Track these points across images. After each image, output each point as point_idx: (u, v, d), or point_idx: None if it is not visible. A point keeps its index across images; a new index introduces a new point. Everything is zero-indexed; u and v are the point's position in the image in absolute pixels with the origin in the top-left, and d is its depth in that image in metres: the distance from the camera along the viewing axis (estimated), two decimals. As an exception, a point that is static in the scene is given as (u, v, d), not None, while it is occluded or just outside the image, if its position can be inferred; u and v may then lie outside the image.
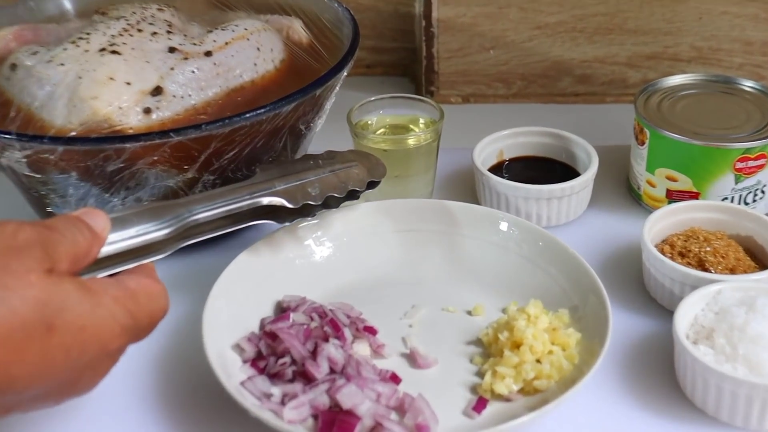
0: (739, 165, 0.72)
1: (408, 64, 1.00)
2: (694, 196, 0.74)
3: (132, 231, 0.55)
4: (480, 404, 0.58)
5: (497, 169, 0.80)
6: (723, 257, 0.67)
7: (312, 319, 0.63)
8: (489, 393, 0.59)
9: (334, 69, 0.70)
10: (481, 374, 0.61)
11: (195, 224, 0.59)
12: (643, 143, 0.76)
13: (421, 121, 0.78)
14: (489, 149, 0.80)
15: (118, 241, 0.54)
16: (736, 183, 0.73)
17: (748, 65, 0.91)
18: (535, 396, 0.58)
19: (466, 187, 0.81)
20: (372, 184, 0.68)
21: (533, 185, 0.74)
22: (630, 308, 0.68)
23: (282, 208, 0.63)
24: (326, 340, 0.61)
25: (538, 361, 0.60)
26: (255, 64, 0.72)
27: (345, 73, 0.71)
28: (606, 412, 0.60)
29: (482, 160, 0.78)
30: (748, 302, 0.61)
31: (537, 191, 0.74)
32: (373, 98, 0.78)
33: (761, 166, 0.73)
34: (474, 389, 0.60)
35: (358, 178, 0.67)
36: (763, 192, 0.75)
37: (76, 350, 0.47)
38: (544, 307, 0.64)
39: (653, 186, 0.76)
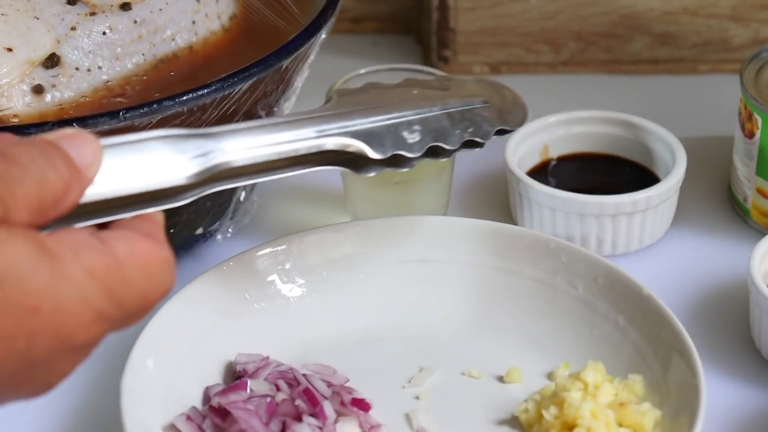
0: None
1: (413, 18, 1.03)
2: None
3: (137, 168, 0.54)
4: None
5: (541, 173, 0.83)
6: None
7: (278, 388, 0.65)
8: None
9: (307, 30, 0.72)
10: (518, 468, 0.64)
11: (229, 166, 0.58)
12: (752, 135, 0.79)
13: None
14: (529, 144, 0.83)
15: (114, 179, 0.53)
16: None
17: None
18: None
19: (495, 199, 0.84)
20: (501, 132, 0.68)
21: (592, 196, 0.77)
22: (734, 373, 0.71)
23: (363, 154, 0.63)
24: (299, 418, 0.63)
25: (599, 449, 0.63)
26: (194, 23, 0.75)
27: (323, 36, 0.74)
28: None
29: (519, 160, 0.81)
30: None
31: (598, 205, 0.77)
32: (362, 71, 0.81)
33: None
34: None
35: (482, 121, 0.67)
36: None
37: (22, 341, 0.47)
38: (608, 372, 0.67)
39: (766, 197, 0.80)
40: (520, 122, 0.69)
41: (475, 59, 0.98)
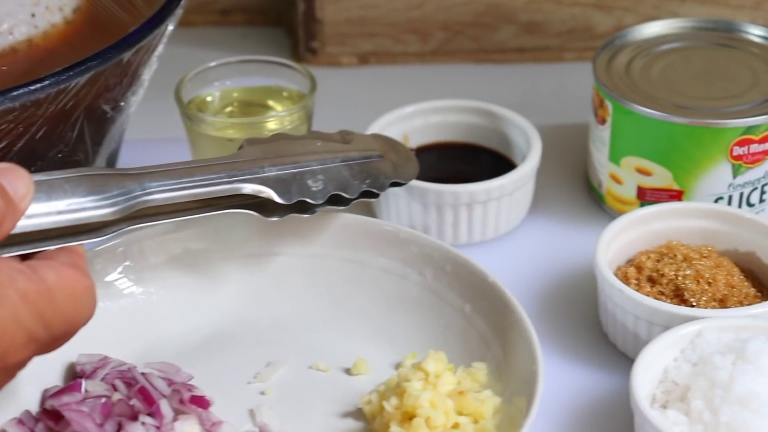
0: (738, 150, 0.76)
1: (283, 10, 1.02)
2: (676, 195, 0.78)
3: (63, 204, 0.58)
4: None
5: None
6: (709, 283, 0.70)
7: (115, 388, 0.64)
8: (369, 486, 0.62)
9: (149, 22, 0.71)
10: (359, 461, 0.63)
11: (149, 205, 0.62)
12: (604, 121, 0.79)
13: (285, 94, 0.80)
14: (388, 133, 0.82)
15: (41, 214, 0.57)
16: (735, 176, 0.77)
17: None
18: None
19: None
20: (395, 185, 0.71)
21: (446, 185, 0.76)
22: (582, 359, 0.71)
23: (269, 200, 0.67)
24: (134, 418, 0.62)
25: (439, 439, 0.62)
26: (33, 15, 0.73)
27: (169, 28, 0.73)
28: None
29: (377, 150, 0.81)
30: (738, 348, 0.64)
31: (452, 194, 0.76)
32: (213, 63, 0.80)
33: (769, 152, 0.77)
34: (349, 483, 0.63)
35: (378, 173, 0.70)
36: (773, 188, 0.78)
37: None
38: (453, 360, 0.67)
39: (619, 182, 0.80)
40: (412, 175, 0.73)
41: (343, 50, 0.98)
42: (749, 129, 0.75)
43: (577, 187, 0.84)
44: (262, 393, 0.67)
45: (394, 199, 0.78)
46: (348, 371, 0.69)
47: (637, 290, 0.70)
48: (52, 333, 0.53)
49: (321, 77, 0.97)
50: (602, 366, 0.71)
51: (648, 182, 0.78)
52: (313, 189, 0.68)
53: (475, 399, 0.63)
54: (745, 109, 0.76)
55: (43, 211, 0.57)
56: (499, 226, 0.79)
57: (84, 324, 0.56)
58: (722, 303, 0.70)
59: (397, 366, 0.69)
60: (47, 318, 0.53)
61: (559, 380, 0.69)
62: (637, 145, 0.77)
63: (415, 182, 0.77)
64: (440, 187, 0.76)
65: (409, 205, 0.77)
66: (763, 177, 0.77)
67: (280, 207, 0.68)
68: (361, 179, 0.70)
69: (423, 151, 0.83)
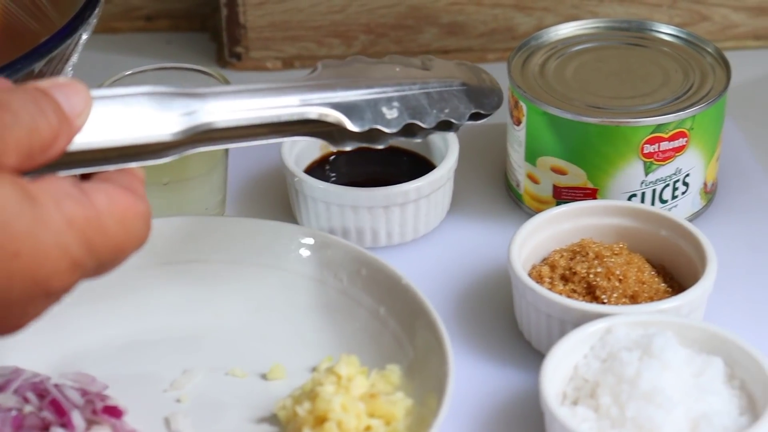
0: (649, 148, 0.77)
1: (207, 15, 1.02)
2: (590, 193, 0.79)
3: (123, 121, 0.55)
4: (267, 508, 0.61)
5: (321, 168, 0.83)
6: (620, 280, 0.71)
7: (27, 400, 0.64)
8: (281, 491, 0.62)
9: (60, 32, 0.71)
10: (273, 466, 0.64)
11: (213, 127, 0.59)
12: (519, 122, 0.80)
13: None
14: (308, 138, 0.82)
15: (100, 131, 0.54)
16: (647, 174, 0.78)
17: (685, 0, 0.96)
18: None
19: (278, 196, 0.84)
20: (477, 117, 0.69)
21: (363, 189, 0.77)
22: (498, 358, 0.72)
23: (342, 126, 0.64)
24: (45, 430, 0.62)
25: (351, 442, 0.63)
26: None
27: (83, 37, 0.73)
28: None
29: (296, 155, 0.81)
30: (644, 344, 0.65)
31: (369, 197, 0.77)
32: (129, 72, 0.80)
33: (680, 149, 0.78)
34: (262, 487, 0.63)
35: (459, 103, 0.68)
36: (686, 185, 0.79)
37: (1, 281, 0.49)
38: (367, 363, 0.67)
39: (536, 182, 0.80)
40: (496, 106, 0.69)
41: (268, 54, 0.98)
42: (659, 127, 0.76)
43: (497, 187, 0.84)
44: (178, 401, 0.68)
45: (312, 203, 0.78)
46: (265, 377, 0.69)
47: (550, 289, 0.71)
48: (100, 259, 0.52)
49: (246, 81, 0.97)
50: (518, 364, 0.71)
51: (563, 181, 0.79)
52: (388, 117, 0.65)
53: (386, 401, 0.64)
54: (654, 108, 0.77)
55: (101, 128, 0.54)
56: (418, 228, 0.79)
57: (134, 251, 0.54)
58: (633, 299, 0.71)
59: (314, 370, 0.69)
60: (95, 244, 0.51)
61: (475, 380, 0.70)
62: (551, 145, 0.78)
63: (332, 186, 0.77)
64: (356, 190, 0.77)
65: (328, 209, 0.78)
66: (674, 174, 0.78)
67: (352, 135, 0.64)
68: (440, 108, 0.67)
69: (342, 155, 0.83)
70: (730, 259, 0.77)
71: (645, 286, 0.71)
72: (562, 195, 0.79)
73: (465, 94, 0.69)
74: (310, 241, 0.73)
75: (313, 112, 0.63)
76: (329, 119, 0.63)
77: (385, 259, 0.74)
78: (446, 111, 0.67)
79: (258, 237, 0.73)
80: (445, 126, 0.67)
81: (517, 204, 0.82)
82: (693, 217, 0.81)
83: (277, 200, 0.83)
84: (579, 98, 0.78)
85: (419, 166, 0.82)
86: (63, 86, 0.53)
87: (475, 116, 0.69)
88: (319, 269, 0.72)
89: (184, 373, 0.69)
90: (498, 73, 0.97)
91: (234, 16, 0.96)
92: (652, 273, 0.73)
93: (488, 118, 0.75)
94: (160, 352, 0.70)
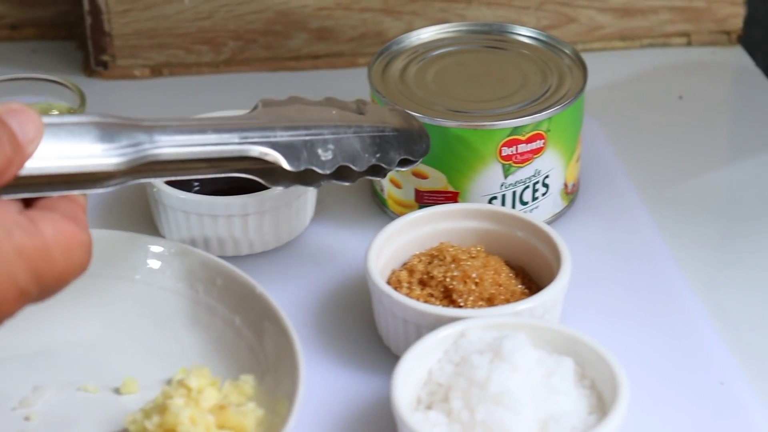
0: (507, 151, 0.77)
1: (74, 23, 1.01)
2: (451, 197, 0.79)
3: (71, 149, 0.57)
4: None
5: (181, 180, 0.82)
6: (476, 283, 0.71)
7: None
8: None
9: None
10: (122, 482, 0.63)
11: (157, 160, 0.61)
12: None
13: (55, 112, 0.80)
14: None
15: (48, 158, 0.56)
16: (506, 176, 0.78)
17: (551, 2, 0.97)
18: (195, 505, 0.61)
19: (140, 207, 0.83)
20: (405, 162, 0.71)
21: (220, 197, 0.77)
22: (359, 365, 0.72)
23: (278, 166, 0.66)
24: None
25: (201, 455, 0.62)
26: None
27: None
28: None
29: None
30: (495, 347, 0.65)
31: (226, 206, 0.76)
32: (-20, 83, 0.79)
33: (538, 151, 0.78)
34: (111, 506, 0.62)
35: (389, 148, 0.70)
36: (546, 186, 0.80)
37: None
38: (223, 374, 0.67)
39: (398, 186, 0.81)
40: (424, 153, 0.73)
41: (135, 62, 0.97)
42: (515, 130, 0.77)
43: (363, 194, 0.85)
44: (27, 419, 0.67)
45: (172, 213, 0.77)
46: (117, 391, 0.69)
47: (408, 293, 0.71)
48: (45, 287, 0.54)
49: (114, 90, 0.97)
50: (377, 370, 0.71)
51: (424, 185, 0.79)
52: (323, 158, 0.67)
53: (237, 413, 0.64)
54: (511, 111, 0.78)
55: (50, 155, 0.56)
56: (280, 236, 0.79)
57: (76, 278, 0.56)
58: (490, 302, 0.71)
59: (168, 383, 0.69)
60: (41, 274, 0.53)
61: (334, 387, 0.70)
62: None
63: (190, 195, 0.77)
64: (214, 199, 0.76)
65: (188, 218, 0.77)
66: (534, 175, 0.79)
67: (286, 176, 0.67)
68: (372, 153, 0.69)
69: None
70: (589, 259, 0.78)
71: (502, 288, 0.72)
72: (424, 199, 0.79)
73: (396, 140, 0.71)
74: (164, 251, 0.72)
75: (254, 151, 0.65)
76: (268, 158, 0.66)
77: (246, 268, 0.74)
78: (378, 156, 0.70)
79: (112, 248, 0.72)
80: (375, 170, 0.70)
81: (382, 209, 0.83)
82: (555, 218, 0.81)
83: (139, 211, 0.82)
84: (439, 102, 0.79)
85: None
86: (17, 112, 0.55)
87: (403, 162, 0.72)
88: (173, 280, 0.72)
89: (34, 390, 0.68)
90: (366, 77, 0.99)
91: (98, 24, 0.95)
92: (510, 275, 0.73)
93: None
94: (10, 369, 0.69)
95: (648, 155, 0.89)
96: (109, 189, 0.60)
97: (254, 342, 0.68)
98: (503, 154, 0.77)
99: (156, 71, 0.97)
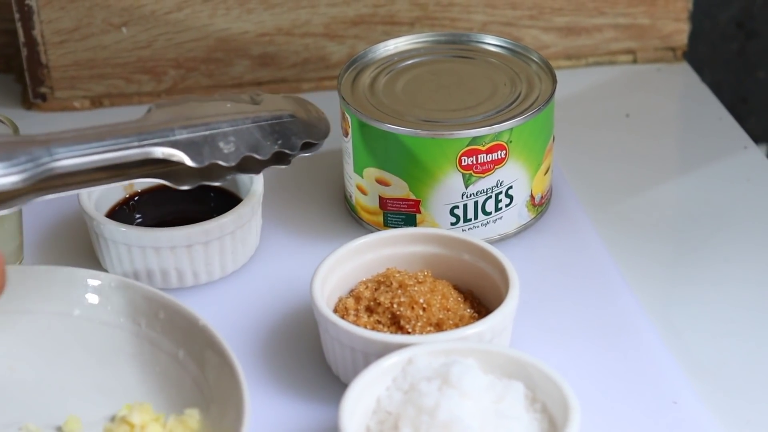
0: (467, 161, 0.78)
1: (11, 55, 1.00)
2: (413, 205, 0.80)
3: None
4: None
5: (124, 209, 0.82)
6: (424, 309, 0.71)
7: None
8: None
9: None
10: None
11: (59, 173, 0.61)
12: (347, 134, 0.81)
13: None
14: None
15: None
16: (467, 186, 0.79)
17: (495, 23, 0.98)
18: None
19: (81, 241, 0.83)
20: (308, 146, 0.72)
21: (164, 229, 0.76)
22: (308, 395, 0.72)
23: (181, 165, 0.66)
24: None
25: (145, 493, 0.62)
26: None
27: None
28: None
29: (97, 199, 0.80)
30: (443, 373, 0.65)
31: (169, 237, 0.76)
32: None
33: (499, 161, 0.79)
34: None
35: (290, 134, 0.71)
36: (509, 197, 0.80)
37: None
38: (167, 408, 0.66)
39: (364, 193, 0.81)
40: (324, 135, 0.74)
41: (75, 94, 0.97)
42: (474, 140, 0.77)
43: (335, 201, 0.86)
44: (-32, 461, 0.66)
45: (114, 246, 0.77)
46: (60, 430, 0.68)
47: (355, 321, 0.71)
48: None
49: (54, 123, 0.96)
50: (327, 399, 0.71)
51: (387, 192, 0.80)
52: (225, 151, 0.68)
53: (181, 447, 0.63)
54: (472, 121, 0.78)
55: None
56: (226, 266, 0.79)
57: None
58: (438, 327, 0.71)
59: (111, 420, 0.68)
60: None
61: (283, 417, 0.70)
62: (374, 156, 0.80)
63: (131, 228, 0.76)
64: (156, 231, 0.76)
65: (130, 251, 0.77)
66: (496, 186, 0.79)
67: (192, 175, 0.67)
68: (273, 140, 0.70)
69: (146, 194, 0.82)
70: (539, 280, 0.78)
71: (450, 313, 0.72)
72: (388, 206, 0.81)
73: (295, 125, 0.72)
74: (104, 285, 0.72)
75: (156, 152, 0.66)
76: (172, 158, 0.66)
77: (191, 299, 0.74)
78: (280, 142, 0.71)
79: (49, 284, 0.72)
80: (280, 158, 0.71)
81: (353, 217, 0.84)
82: (521, 229, 0.82)
83: (80, 245, 0.82)
84: (407, 112, 0.80)
85: (227, 202, 0.81)
86: None
87: (306, 146, 0.72)
88: (115, 314, 0.71)
89: (-27, 431, 0.68)
90: (315, 101, 0.99)
91: (35, 56, 0.94)
92: (458, 299, 0.73)
93: (329, 144, 0.76)
94: (-53, 410, 0.69)
95: (596, 173, 0.90)
96: (14, 209, 0.60)
97: (198, 375, 0.68)
98: (463, 163, 0.78)
99: (96, 102, 0.97)
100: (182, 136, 0.67)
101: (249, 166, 0.70)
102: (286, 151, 0.71)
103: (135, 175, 0.66)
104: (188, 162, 0.67)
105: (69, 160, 0.62)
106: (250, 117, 0.71)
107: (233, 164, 0.68)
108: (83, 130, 0.64)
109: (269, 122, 0.71)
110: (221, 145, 0.68)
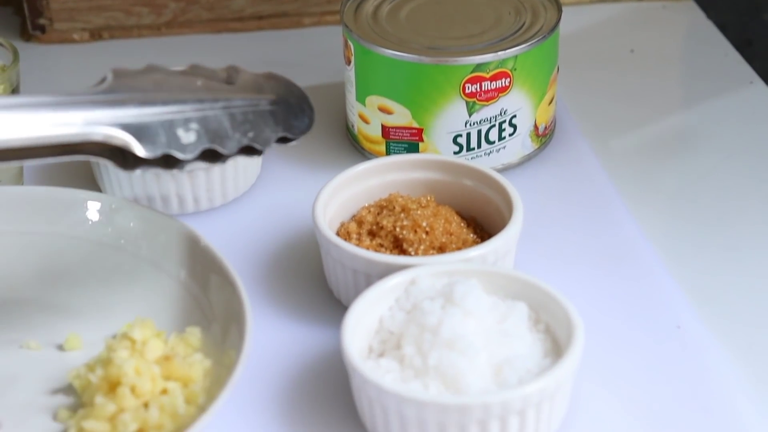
0: (470, 88, 0.78)
1: (11, -13, 1.00)
2: (416, 133, 0.79)
3: None
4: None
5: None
6: (427, 232, 0.71)
7: None
8: (73, 462, 0.61)
9: None
10: (65, 436, 0.62)
11: None
12: (350, 62, 0.81)
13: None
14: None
15: None
16: (470, 114, 0.78)
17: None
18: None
19: (79, 165, 0.82)
20: (283, 140, 0.63)
21: (164, 152, 0.76)
22: (309, 318, 0.72)
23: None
24: None
25: (146, 406, 0.62)
26: None
27: None
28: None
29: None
30: (447, 293, 0.65)
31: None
32: None
33: (503, 89, 0.78)
34: (54, 460, 0.62)
35: (264, 125, 0.61)
36: (513, 126, 0.80)
37: None
38: (168, 327, 0.67)
39: (367, 122, 0.81)
40: (305, 130, 0.64)
41: (74, 26, 0.96)
42: (479, 66, 0.77)
43: (337, 130, 0.86)
44: (-32, 377, 0.66)
45: (114, 170, 0.77)
46: (61, 348, 0.68)
47: (357, 244, 0.71)
48: None
49: (53, 55, 0.96)
50: (328, 322, 0.71)
51: (390, 121, 0.80)
52: (184, 141, 0.59)
53: (183, 363, 0.63)
54: (476, 48, 0.78)
55: None
56: (227, 192, 0.79)
57: None
58: (441, 251, 0.71)
59: (113, 337, 0.68)
60: None
61: (285, 340, 0.70)
62: (378, 83, 0.79)
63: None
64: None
65: (130, 177, 0.76)
66: (500, 114, 0.79)
67: (143, 160, 0.59)
68: (243, 132, 0.61)
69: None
70: (542, 209, 0.78)
71: (453, 237, 0.72)
72: (390, 135, 0.80)
73: (272, 115, 0.64)
74: (105, 207, 0.72)
75: (97, 134, 0.58)
76: (116, 142, 0.58)
77: (192, 224, 0.73)
78: (250, 135, 0.62)
79: (50, 205, 0.72)
80: (247, 151, 0.63)
81: (355, 146, 0.83)
82: (524, 160, 0.82)
83: (79, 169, 0.82)
84: (410, 39, 0.79)
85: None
86: None
87: (281, 140, 0.64)
88: (116, 236, 0.71)
89: (-26, 349, 0.68)
90: (316, 36, 0.99)
91: (34, -13, 0.94)
92: (461, 224, 0.73)
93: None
94: (-53, 328, 0.69)
95: (600, 108, 0.89)
96: None
97: (200, 295, 0.68)
98: (467, 91, 0.77)
99: (95, 35, 0.97)
100: (136, 117, 0.59)
101: (213, 156, 0.62)
102: (256, 146, 0.62)
103: (82, 152, 0.59)
104: (137, 150, 0.58)
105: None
106: (220, 100, 0.62)
107: (191, 157, 0.60)
108: (24, 100, 0.56)
109: (242, 109, 0.62)
110: (180, 132, 0.60)
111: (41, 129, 0.56)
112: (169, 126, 0.60)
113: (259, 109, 0.63)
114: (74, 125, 0.57)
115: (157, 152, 0.59)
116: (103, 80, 0.60)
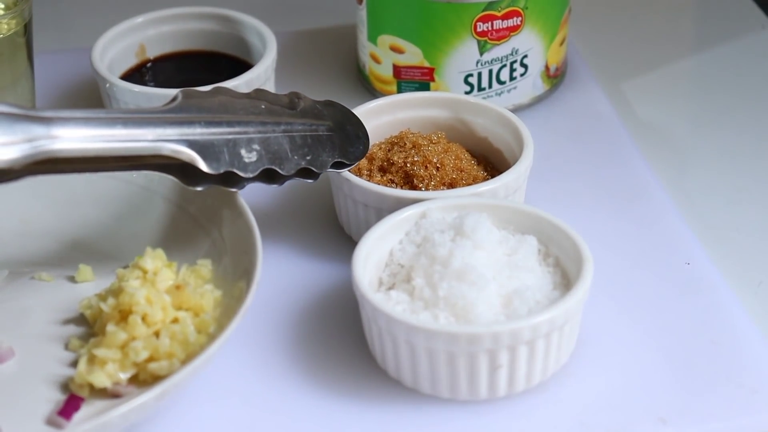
0: (482, 27, 0.77)
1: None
2: (427, 73, 0.79)
3: None
4: (70, 406, 0.60)
5: (137, 75, 0.82)
6: (438, 168, 0.71)
7: None
8: (85, 388, 0.61)
9: None
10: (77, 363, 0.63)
11: (57, 157, 0.57)
12: (361, 1, 0.81)
13: (1, 6, 0.79)
14: (121, 45, 0.82)
15: None
16: (482, 53, 0.78)
17: None
18: (154, 386, 0.61)
19: (92, 105, 0.82)
20: (339, 165, 0.67)
21: (175, 90, 0.75)
22: (320, 252, 0.72)
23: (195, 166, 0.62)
24: None
25: (157, 335, 0.62)
26: None
27: None
28: (265, 398, 0.63)
29: (110, 64, 0.80)
30: (457, 225, 0.66)
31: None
32: None
33: (515, 28, 0.78)
34: (66, 386, 0.62)
35: (321, 150, 0.66)
36: (524, 66, 0.80)
37: None
38: (179, 259, 0.67)
39: (378, 62, 0.81)
40: (360, 156, 0.69)
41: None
42: (490, 5, 0.77)
43: (348, 70, 0.86)
44: (-20, 307, 0.67)
45: (126, 107, 0.77)
46: (73, 279, 0.69)
47: (368, 180, 0.71)
48: None
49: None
50: (339, 257, 0.72)
51: (401, 60, 0.80)
52: (246, 160, 0.63)
53: (194, 293, 0.64)
54: (488, -14, 0.78)
55: None
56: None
57: None
58: (451, 186, 0.71)
59: (124, 268, 0.69)
60: None
61: (296, 274, 0.71)
62: (389, 22, 0.79)
63: (145, 88, 0.76)
64: (167, 91, 0.76)
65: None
66: (511, 54, 0.79)
67: (206, 176, 0.63)
68: (301, 155, 0.65)
69: (160, 61, 0.82)
70: (554, 149, 0.78)
71: (463, 173, 0.72)
72: (402, 75, 0.80)
73: (330, 141, 0.68)
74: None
75: (166, 149, 0.61)
76: (182, 157, 0.62)
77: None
78: (308, 158, 0.66)
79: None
80: (304, 173, 0.66)
81: (369, 90, 0.83)
82: (535, 101, 0.82)
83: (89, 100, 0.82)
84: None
85: (239, 68, 0.81)
86: None
87: (337, 164, 0.68)
88: (128, 171, 0.71)
89: (-13, 277, 0.68)
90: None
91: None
92: (472, 161, 0.73)
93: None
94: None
95: (612, 50, 0.89)
96: (7, 182, 0.57)
97: (212, 228, 0.68)
98: (478, 30, 0.77)
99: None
100: (202, 135, 0.62)
101: (270, 176, 0.66)
102: (313, 169, 0.66)
103: (146, 166, 0.63)
104: (202, 166, 0.62)
105: (69, 144, 0.58)
106: (282, 124, 0.66)
107: (251, 176, 0.64)
108: (96, 113, 0.60)
109: (302, 134, 0.67)
110: (243, 152, 0.64)
111: (115, 141, 0.60)
112: (233, 145, 0.64)
113: (318, 134, 0.67)
114: (145, 140, 0.61)
115: (220, 169, 0.63)
116: (174, 99, 0.64)
